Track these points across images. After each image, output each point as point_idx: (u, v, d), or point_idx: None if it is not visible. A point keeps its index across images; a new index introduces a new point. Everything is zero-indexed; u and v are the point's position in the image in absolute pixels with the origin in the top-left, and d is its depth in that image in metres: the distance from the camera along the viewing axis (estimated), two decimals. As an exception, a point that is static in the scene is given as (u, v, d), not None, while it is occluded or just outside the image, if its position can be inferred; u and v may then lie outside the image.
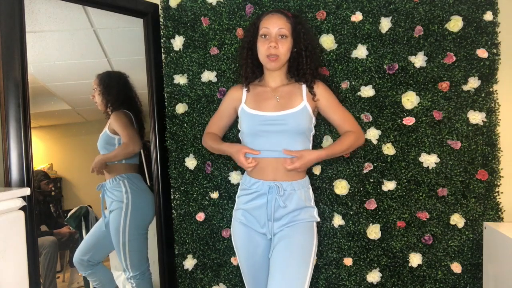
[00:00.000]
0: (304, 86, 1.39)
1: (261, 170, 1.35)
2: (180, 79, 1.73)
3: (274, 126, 1.33)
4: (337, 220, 1.63)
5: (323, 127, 1.63)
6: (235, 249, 1.43)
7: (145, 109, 1.89)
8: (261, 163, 1.35)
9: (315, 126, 1.44)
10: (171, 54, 1.74)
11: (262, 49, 1.34)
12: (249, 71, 1.43)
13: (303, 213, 1.34)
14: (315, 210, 1.39)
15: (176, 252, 1.78)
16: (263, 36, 1.34)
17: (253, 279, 1.40)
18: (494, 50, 1.56)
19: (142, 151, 2.05)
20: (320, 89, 1.39)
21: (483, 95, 1.57)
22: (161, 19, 1.77)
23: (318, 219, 1.39)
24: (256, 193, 1.36)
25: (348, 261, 1.64)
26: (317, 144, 1.63)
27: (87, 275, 1.86)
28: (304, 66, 1.38)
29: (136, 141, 1.87)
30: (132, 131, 1.87)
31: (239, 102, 1.43)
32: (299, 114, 1.34)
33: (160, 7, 1.79)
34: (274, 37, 1.32)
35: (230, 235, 1.71)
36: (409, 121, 1.58)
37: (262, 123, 1.34)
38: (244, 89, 1.44)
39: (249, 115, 1.37)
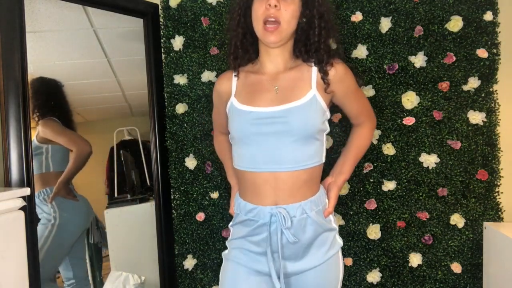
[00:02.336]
0: (314, 69, 1.03)
1: (257, 190, 1.01)
2: (180, 79, 1.73)
3: (270, 126, 0.99)
4: (337, 220, 1.63)
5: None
6: None
7: (145, 109, 1.89)
8: (256, 180, 1.01)
9: None
10: (171, 54, 1.74)
11: (258, 11, 0.97)
12: (239, 45, 1.07)
13: (326, 245, 1.03)
14: (337, 231, 1.09)
15: (176, 252, 1.78)
16: None
17: None
18: (494, 50, 1.56)
19: (142, 150, 2.05)
20: (338, 75, 1.03)
21: (483, 95, 1.57)
22: (161, 19, 1.77)
23: (341, 243, 1.09)
24: (254, 223, 1.02)
25: (348, 261, 1.64)
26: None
27: None
28: (317, 39, 1.01)
29: (81, 141, 1.77)
30: (71, 134, 1.79)
31: (228, 95, 1.09)
32: (305, 108, 0.99)
33: (160, 7, 1.79)
34: None
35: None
36: (409, 121, 1.58)
37: (254, 122, 1.00)
38: (233, 75, 1.09)
39: (238, 112, 1.03)
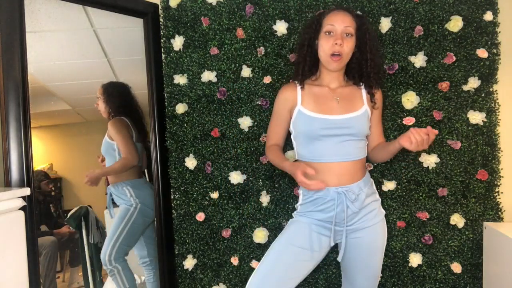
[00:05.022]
0: (363, 91, 1.37)
1: (323, 176, 1.29)
2: (180, 79, 1.73)
3: (337, 129, 1.29)
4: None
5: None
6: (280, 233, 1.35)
7: (145, 109, 1.89)
8: (322, 168, 1.30)
9: None
10: (171, 54, 1.74)
11: (326, 47, 1.29)
12: (306, 69, 1.38)
13: (374, 212, 1.33)
14: (380, 201, 1.39)
15: (176, 252, 1.78)
16: (327, 33, 1.29)
17: (275, 268, 1.25)
18: (494, 50, 1.56)
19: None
20: (379, 98, 1.39)
21: (483, 95, 1.57)
22: (161, 19, 1.77)
23: (384, 212, 1.39)
24: (322, 200, 1.30)
25: (348, 261, 1.64)
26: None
27: (114, 271, 1.93)
28: (369, 69, 1.34)
29: (133, 153, 1.92)
30: (128, 142, 1.92)
31: (294, 103, 1.36)
32: (362, 117, 1.32)
33: (160, 7, 1.79)
34: (340, 34, 1.27)
35: (230, 235, 1.72)
36: (409, 121, 1.58)
37: (324, 127, 1.29)
38: (299, 87, 1.37)
39: (309, 118, 1.31)
